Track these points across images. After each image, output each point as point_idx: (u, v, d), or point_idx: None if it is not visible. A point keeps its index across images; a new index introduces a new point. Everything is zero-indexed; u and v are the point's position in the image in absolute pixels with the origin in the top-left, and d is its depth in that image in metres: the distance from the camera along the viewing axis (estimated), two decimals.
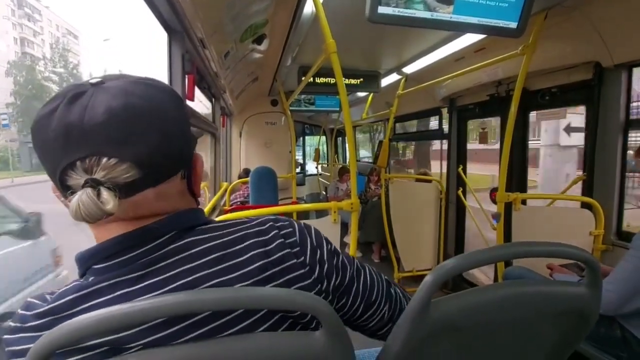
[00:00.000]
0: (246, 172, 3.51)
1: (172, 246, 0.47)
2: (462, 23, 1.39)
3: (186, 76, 1.48)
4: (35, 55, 32.30)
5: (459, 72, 2.16)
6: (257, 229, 0.52)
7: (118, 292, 0.44)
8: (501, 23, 1.42)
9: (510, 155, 1.91)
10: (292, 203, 3.36)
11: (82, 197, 0.40)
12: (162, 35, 1.39)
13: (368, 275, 0.60)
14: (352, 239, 1.72)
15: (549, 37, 1.79)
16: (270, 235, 0.51)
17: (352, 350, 0.46)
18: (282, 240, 0.51)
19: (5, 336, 0.45)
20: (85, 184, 0.41)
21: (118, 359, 0.41)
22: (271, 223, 0.53)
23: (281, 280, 0.49)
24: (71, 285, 0.45)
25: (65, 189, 0.43)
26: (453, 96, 2.96)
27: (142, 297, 0.43)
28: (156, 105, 0.45)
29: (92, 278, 0.45)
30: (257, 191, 2.72)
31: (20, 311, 0.46)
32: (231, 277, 0.46)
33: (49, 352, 0.37)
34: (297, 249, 0.52)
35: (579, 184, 2.01)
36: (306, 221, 0.65)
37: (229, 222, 0.53)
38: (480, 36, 2.00)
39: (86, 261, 0.47)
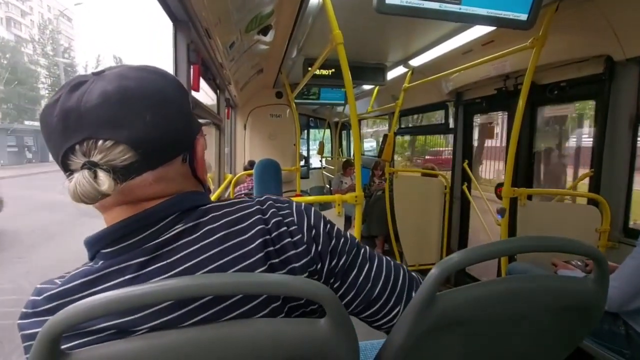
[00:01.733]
0: (251, 164, 3.51)
1: (175, 229, 0.47)
2: (471, 14, 1.36)
3: (191, 66, 1.48)
4: (23, 37, 29.78)
5: (467, 65, 2.12)
6: (258, 207, 0.52)
7: (126, 277, 0.45)
8: (511, 15, 1.39)
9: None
10: (296, 196, 3.36)
11: (78, 178, 0.42)
12: (159, 23, 1.38)
13: (375, 268, 0.57)
14: (355, 232, 1.72)
15: (559, 30, 1.75)
16: (269, 213, 0.51)
17: (356, 340, 0.46)
18: (280, 219, 0.51)
19: (19, 321, 0.46)
20: (83, 166, 0.42)
21: (124, 341, 0.42)
22: (271, 202, 0.54)
23: (278, 259, 0.49)
24: (81, 269, 0.47)
25: (68, 174, 0.44)
26: (460, 90, 2.92)
27: (148, 282, 0.44)
28: (152, 88, 0.46)
29: (101, 262, 0.46)
30: (261, 183, 2.72)
31: (31, 297, 0.47)
32: (235, 256, 0.47)
33: (57, 334, 0.37)
34: (294, 227, 0.51)
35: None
36: None
37: (230, 202, 0.53)
38: (489, 28, 1.96)
39: (93, 245, 0.48)
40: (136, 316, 0.43)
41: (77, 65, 31.42)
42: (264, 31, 2.04)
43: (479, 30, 2.03)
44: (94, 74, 0.46)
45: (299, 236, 0.51)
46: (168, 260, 0.46)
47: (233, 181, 3.20)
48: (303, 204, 0.57)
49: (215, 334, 0.42)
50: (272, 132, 4.53)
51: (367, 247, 0.59)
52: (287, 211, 0.53)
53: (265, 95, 4.41)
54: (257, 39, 2.18)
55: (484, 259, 0.48)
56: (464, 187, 2.97)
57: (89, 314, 0.37)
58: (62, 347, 0.40)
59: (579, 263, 1.56)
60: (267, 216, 0.51)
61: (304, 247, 0.51)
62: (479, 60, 2.03)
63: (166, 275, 0.45)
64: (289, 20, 2.01)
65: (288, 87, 3.45)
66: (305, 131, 6.70)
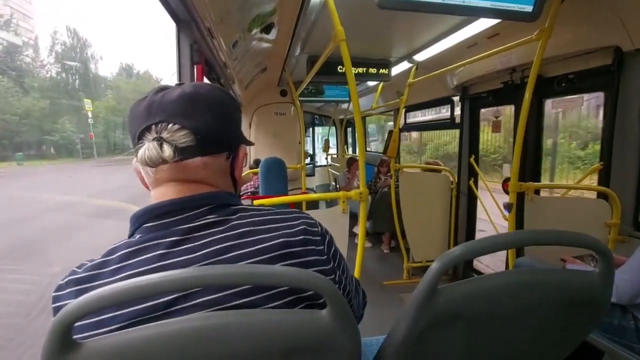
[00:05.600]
0: (257, 163, 3.52)
1: (206, 219, 0.55)
2: (475, 7, 1.34)
3: (195, 66, 1.49)
4: None
5: (472, 59, 2.10)
6: (285, 215, 0.59)
7: (159, 252, 0.52)
8: (516, 7, 1.37)
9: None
10: (302, 193, 3.36)
11: (148, 145, 0.54)
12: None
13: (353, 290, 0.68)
14: (360, 228, 1.72)
15: (566, 21, 1.72)
16: (297, 222, 0.58)
17: (357, 331, 0.46)
18: (306, 227, 0.58)
19: (53, 294, 0.52)
20: (153, 139, 0.54)
21: (133, 330, 0.43)
22: (299, 213, 0.61)
23: (300, 260, 0.54)
24: (122, 242, 0.55)
25: (139, 145, 0.55)
26: (465, 84, 2.89)
27: (178, 258, 0.52)
28: (216, 97, 0.59)
29: (139, 236, 0.54)
30: (267, 182, 2.73)
31: (73, 268, 0.54)
32: (253, 249, 0.53)
33: (68, 323, 0.39)
34: (318, 238, 0.59)
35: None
36: (315, 211, 0.70)
37: (260, 207, 0.61)
38: (494, 21, 1.94)
39: (139, 218, 0.56)
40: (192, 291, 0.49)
41: (24, 45, 25.56)
42: (267, 29, 2.04)
43: (484, 24, 2.01)
44: (176, 84, 0.60)
45: (321, 247, 0.58)
46: (195, 244, 0.53)
47: None
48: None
49: (219, 323, 0.44)
50: (277, 130, 4.54)
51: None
52: (314, 222, 0.61)
53: (270, 94, 4.42)
54: (259, 37, 2.19)
55: (485, 252, 0.48)
56: (471, 182, 2.94)
57: (99, 304, 0.39)
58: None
59: (592, 256, 1.53)
60: (294, 222, 0.58)
61: (325, 257, 0.58)
62: (484, 54, 2.00)
63: (190, 256, 0.52)
64: (292, 18, 2.01)
65: (292, 85, 3.45)
66: (311, 129, 6.70)
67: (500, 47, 1.88)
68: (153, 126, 0.55)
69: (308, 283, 0.43)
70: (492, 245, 0.49)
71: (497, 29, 2.02)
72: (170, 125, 0.55)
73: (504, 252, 2.49)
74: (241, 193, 3.24)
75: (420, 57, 2.78)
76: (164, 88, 0.58)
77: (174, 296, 0.49)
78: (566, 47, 1.90)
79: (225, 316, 0.45)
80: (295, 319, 0.45)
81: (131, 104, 0.60)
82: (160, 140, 0.54)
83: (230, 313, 0.45)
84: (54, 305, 0.52)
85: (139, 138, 0.56)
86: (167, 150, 0.53)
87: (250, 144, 0.68)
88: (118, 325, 0.47)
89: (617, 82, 1.72)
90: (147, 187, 0.61)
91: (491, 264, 3.45)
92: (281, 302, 0.51)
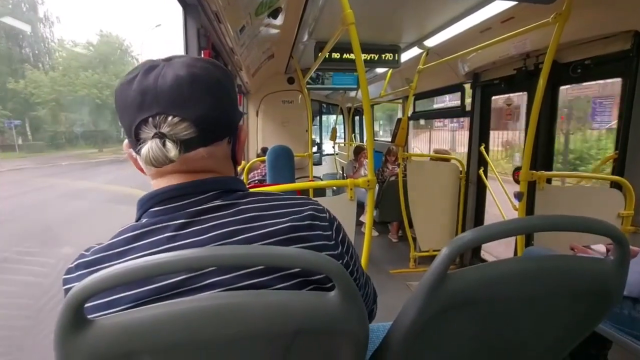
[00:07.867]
0: (264, 151, 3.52)
1: (214, 202, 0.55)
2: None
3: (202, 52, 1.47)
4: None
5: (484, 44, 2.04)
6: (293, 201, 0.59)
7: (166, 234, 0.51)
8: None
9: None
10: (309, 182, 3.36)
11: (151, 145, 0.50)
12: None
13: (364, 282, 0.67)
14: (367, 217, 1.71)
15: (584, 4, 1.65)
16: (304, 207, 0.58)
17: (365, 314, 0.46)
18: (314, 212, 0.57)
19: (63, 276, 0.53)
20: (154, 135, 0.51)
21: (144, 309, 0.44)
22: (307, 199, 0.61)
23: (308, 244, 0.54)
24: (129, 225, 0.54)
25: (137, 142, 0.52)
26: (477, 71, 2.83)
27: (186, 240, 0.51)
28: (213, 77, 0.54)
29: (145, 220, 0.54)
30: (274, 170, 2.73)
31: (82, 252, 0.54)
32: (261, 233, 0.53)
33: (80, 301, 0.40)
34: (326, 224, 0.58)
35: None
36: (322, 198, 0.69)
37: (267, 193, 0.60)
38: (508, 4, 1.87)
39: (145, 203, 0.55)
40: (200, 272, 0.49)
41: None
42: (274, 14, 2.00)
43: (498, 7, 1.94)
44: (163, 60, 0.55)
45: (329, 232, 0.58)
46: (202, 226, 0.52)
47: (246, 168, 3.22)
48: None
49: (230, 303, 0.44)
50: (284, 118, 4.51)
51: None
52: (321, 207, 0.60)
53: (277, 82, 4.38)
54: (267, 22, 2.15)
55: (496, 238, 0.47)
56: (480, 171, 2.90)
57: (106, 283, 0.40)
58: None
59: (600, 249, 1.51)
60: (301, 207, 0.57)
61: (333, 242, 0.58)
62: (497, 39, 1.94)
63: (198, 238, 0.51)
64: (299, 3, 1.97)
65: (299, 72, 3.41)
66: (318, 117, 6.65)
67: (515, 32, 1.82)
68: (150, 118, 0.51)
69: (318, 265, 0.43)
70: (504, 230, 0.48)
71: (512, 13, 1.96)
72: (170, 118, 0.51)
73: (513, 244, 2.47)
74: (248, 182, 3.25)
75: (431, 42, 2.71)
76: (152, 67, 0.53)
77: (183, 277, 0.49)
78: (583, 32, 1.83)
79: (236, 296, 0.45)
80: (304, 300, 0.45)
81: (116, 85, 0.54)
82: (162, 138, 0.50)
83: (241, 293, 0.46)
84: (64, 287, 0.52)
85: (136, 132, 0.52)
86: (172, 150, 0.50)
87: (242, 114, 0.66)
88: (127, 305, 0.48)
89: (635, 68, 1.66)
90: (143, 172, 0.59)
91: (496, 252, 3.43)
92: (289, 283, 0.51)
